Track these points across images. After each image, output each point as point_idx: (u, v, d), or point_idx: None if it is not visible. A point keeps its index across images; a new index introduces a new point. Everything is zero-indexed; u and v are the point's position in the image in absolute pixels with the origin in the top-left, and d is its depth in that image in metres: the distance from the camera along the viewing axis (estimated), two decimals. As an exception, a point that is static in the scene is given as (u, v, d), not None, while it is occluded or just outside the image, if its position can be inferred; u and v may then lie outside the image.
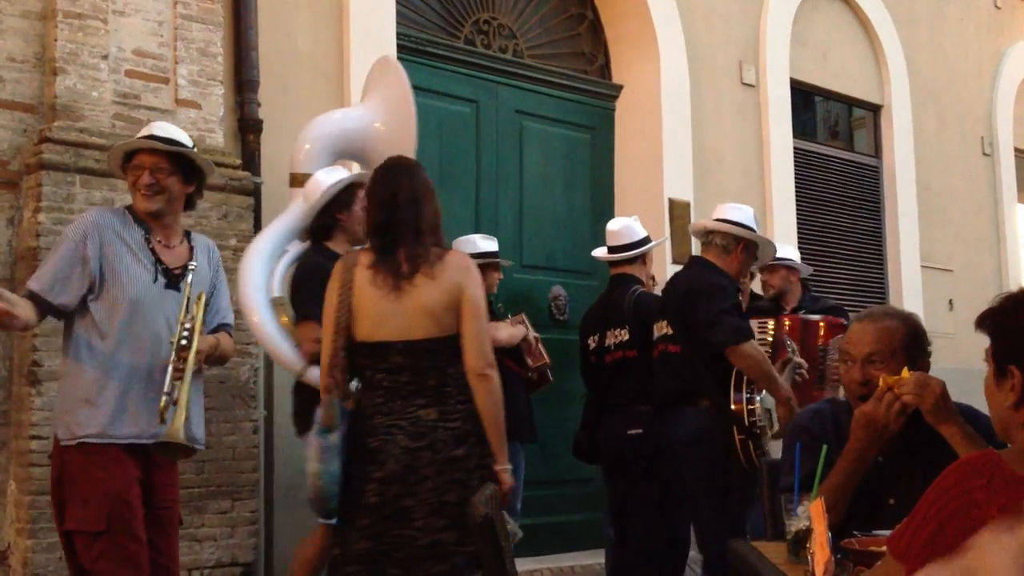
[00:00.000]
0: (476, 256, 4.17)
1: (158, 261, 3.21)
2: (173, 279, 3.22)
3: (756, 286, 5.35)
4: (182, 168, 3.27)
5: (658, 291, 4.68)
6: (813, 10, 7.42)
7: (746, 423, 4.00)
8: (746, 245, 4.31)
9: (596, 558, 5.44)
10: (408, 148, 4.04)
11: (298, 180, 4.17)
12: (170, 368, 3.07)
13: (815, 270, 7.02)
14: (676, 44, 6.48)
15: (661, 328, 4.29)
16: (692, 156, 6.47)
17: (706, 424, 4.08)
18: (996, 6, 8.91)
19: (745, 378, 4.04)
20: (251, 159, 4.65)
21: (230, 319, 3.46)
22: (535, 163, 6.09)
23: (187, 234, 3.38)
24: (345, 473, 2.92)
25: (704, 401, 4.13)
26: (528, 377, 4.84)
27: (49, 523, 3.72)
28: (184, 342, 3.10)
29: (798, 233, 7.00)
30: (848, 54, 7.69)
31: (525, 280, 5.86)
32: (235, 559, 4.21)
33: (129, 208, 3.29)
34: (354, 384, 3.07)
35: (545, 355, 4.87)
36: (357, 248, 3.17)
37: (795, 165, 7.10)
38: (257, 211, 4.51)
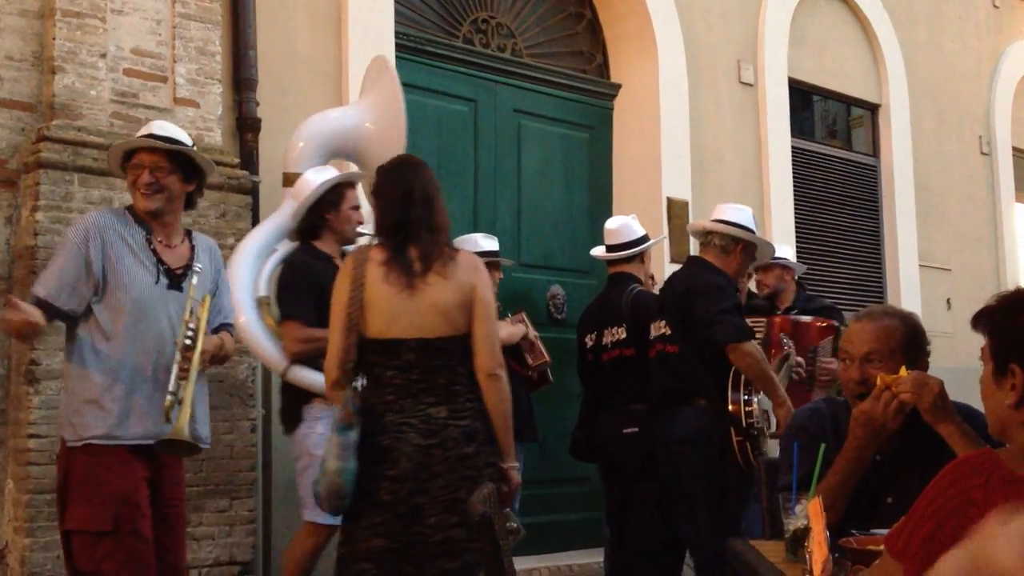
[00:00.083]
0: (477, 255, 4.17)
1: (160, 262, 3.22)
2: (175, 279, 3.23)
3: (752, 285, 5.35)
4: (182, 167, 3.27)
5: (658, 290, 4.68)
6: (811, 9, 7.42)
7: (744, 424, 4.00)
8: (745, 246, 4.31)
9: (594, 557, 5.43)
10: (398, 148, 4.05)
11: (290, 180, 4.18)
12: (175, 368, 3.08)
13: (813, 269, 7.04)
14: (674, 43, 6.48)
15: (659, 328, 4.29)
16: (690, 155, 6.47)
17: (703, 424, 4.08)
18: (994, 5, 8.91)
19: (743, 379, 4.04)
20: (249, 158, 4.65)
21: (232, 318, 3.47)
22: (533, 162, 6.09)
23: (188, 233, 3.38)
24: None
25: (701, 401, 4.12)
26: (528, 376, 4.84)
27: (47, 522, 3.73)
28: (188, 342, 3.11)
29: (796, 232, 7.00)
30: (846, 53, 7.69)
31: (523, 279, 5.86)
32: (233, 558, 4.21)
33: (129, 208, 3.29)
34: (359, 381, 3.06)
35: (545, 354, 4.87)
36: (368, 244, 3.14)
37: (793, 164, 7.10)
38: (255, 210, 4.51)
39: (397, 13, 5.34)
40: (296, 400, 3.87)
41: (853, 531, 2.13)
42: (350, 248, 4.09)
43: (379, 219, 3.12)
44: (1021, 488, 1.36)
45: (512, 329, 4.76)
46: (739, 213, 4.35)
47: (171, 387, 3.06)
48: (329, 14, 5.09)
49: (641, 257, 4.76)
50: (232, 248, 4.25)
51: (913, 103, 8.03)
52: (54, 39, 4.08)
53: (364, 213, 4.09)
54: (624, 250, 4.70)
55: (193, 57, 4.42)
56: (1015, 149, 8.95)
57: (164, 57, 4.35)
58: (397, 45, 5.28)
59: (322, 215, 3.93)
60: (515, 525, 2.98)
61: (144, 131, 3.33)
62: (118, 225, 3.20)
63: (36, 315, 2.97)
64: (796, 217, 7.05)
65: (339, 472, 2.85)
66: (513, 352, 4.72)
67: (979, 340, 1.72)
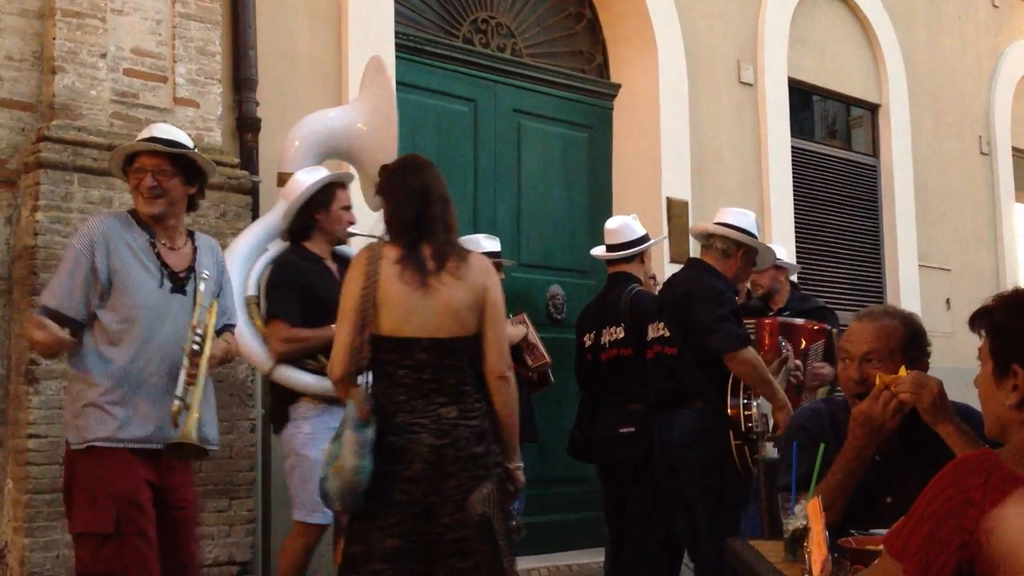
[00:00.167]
0: (479, 255, 4.17)
1: (163, 265, 3.22)
2: (178, 283, 3.23)
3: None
4: (184, 169, 3.27)
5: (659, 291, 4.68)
6: (811, 9, 7.42)
7: (743, 428, 3.99)
8: (746, 251, 4.30)
9: (594, 557, 5.44)
10: (390, 149, 4.05)
11: (284, 180, 4.18)
12: (183, 374, 3.08)
13: (813, 269, 7.04)
14: (674, 43, 6.48)
15: (657, 330, 4.28)
16: (690, 155, 6.47)
17: (701, 426, 4.07)
18: (994, 5, 8.91)
19: (742, 384, 4.04)
20: (249, 158, 4.65)
21: (235, 319, 3.47)
22: (533, 162, 6.09)
23: (191, 234, 3.39)
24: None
25: (699, 403, 4.11)
26: (529, 377, 4.83)
27: (46, 522, 3.74)
28: (196, 347, 3.12)
29: (796, 232, 7.00)
30: (846, 53, 7.69)
31: (523, 279, 5.85)
32: (232, 558, 4.21)
33: (132, 212, 3.30)
34: (362, 379, 3.05)
35: (546, 355, 4.86)
36: (379, 241, 3.13)
37: (793, 164, 7.10)
38: (255, 210, 4.51)
39: (397, 13, 5.34)
40: (283, 400, 3.88)
41: (852, 531, 2.13)
42: (340, 248, 4.09)
43: (391, 217, 3.09)
44: (1020, 488, 1.36)
45: (513, 330, 4.74)
46: (742, 217, 4.33)
47: (179, 392, 3.06)
48: (329, 14, 5.10)
49: (641, 257, 4.76)
50: (231, 248, 4.26)
51: (913, 103, 8.03)
52: (54, 39, 4.08)
53: (355, 213, 4.10)
54: (624, 250, 4.70)
55: (193, 57, 4.42)
56: (1015, 149, 8.95)
57: (164, 57, 4.35)
58: (397, 45, 5.28)
59: (312, 215, 3.93)
60: (516, 523, 2.99)
61: (145, 134, 3.33)
62: (122, 230, 3.20)
63: (63, 334, 3.02)
64: (796, 217, 7.05)
65: (356, 470, 2.83)
66: (513, 353, 4.71)
67: (978, 340, 1.72)
